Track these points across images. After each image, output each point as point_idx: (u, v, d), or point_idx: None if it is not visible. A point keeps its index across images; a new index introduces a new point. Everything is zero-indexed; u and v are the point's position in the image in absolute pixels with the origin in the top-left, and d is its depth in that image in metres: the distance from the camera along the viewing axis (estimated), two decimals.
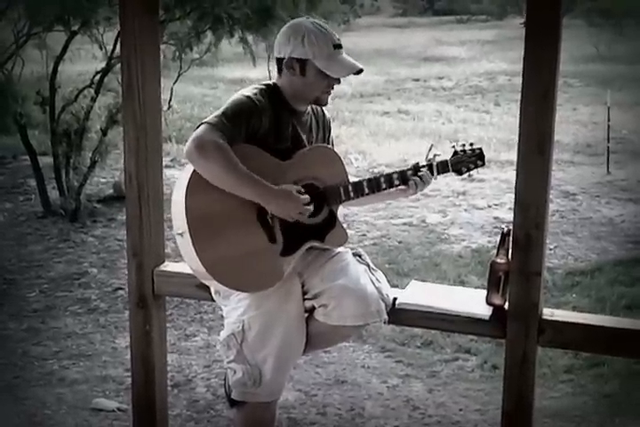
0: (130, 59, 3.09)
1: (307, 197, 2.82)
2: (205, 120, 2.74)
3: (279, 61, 2.93)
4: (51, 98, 8.97)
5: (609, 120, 11.60)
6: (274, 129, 2.86)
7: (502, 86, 19.32)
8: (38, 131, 10.44)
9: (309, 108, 3.03)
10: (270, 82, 2.97)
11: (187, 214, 2.70)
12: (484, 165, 3.25)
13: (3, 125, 9.28)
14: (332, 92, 2.95)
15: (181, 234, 2.72)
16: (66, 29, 9.03)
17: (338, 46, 2.89)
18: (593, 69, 20.31)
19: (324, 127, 3.12)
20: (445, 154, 3.22)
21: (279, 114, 2.89)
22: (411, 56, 25.13)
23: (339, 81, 2.91)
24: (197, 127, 2.74)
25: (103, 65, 9.19)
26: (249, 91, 2.87)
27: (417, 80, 20.81)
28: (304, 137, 2.98)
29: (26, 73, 10.52)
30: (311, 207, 2.84)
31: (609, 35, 21.75)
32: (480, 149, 3.24)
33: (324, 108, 3.11)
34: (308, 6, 11.22)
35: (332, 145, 3.14)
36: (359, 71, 2.91)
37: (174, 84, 15.24)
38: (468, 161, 3.20)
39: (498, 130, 14.30)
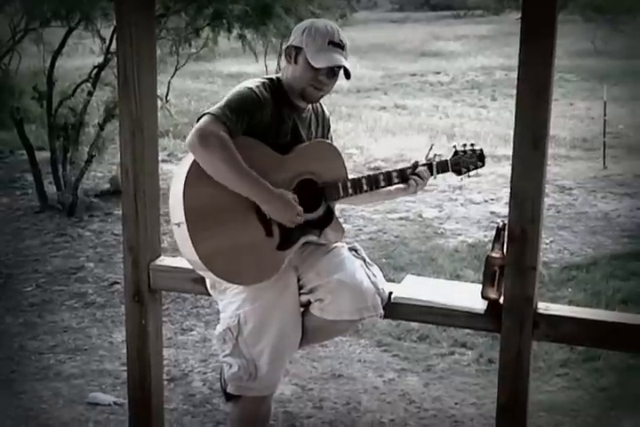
0: (126, 53, 3.09)
1: (301, 208, 2.83)
2: (208, 111, 2.73)
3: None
4: (48, 92, 8.96)
5: (605, 115, 11.62)
6: (274, 123, 2.86)
7: (499, 81, 19.34)
8: (35, 125, 10.44)
9: (309, 105, 3.03)
10: (274, 76, 2.97)
11: (184, 205, 2.69)
12: (483, 165, 3.27)
13: (0, 120, 9.28)
14: (324, 90, 2.93)
15: (178, 224, 2.72)
16: (63, 24, 9.02)
17: (334, 44, 2.88)
18: (589, 64, 20.33)
19: (324, 124, 3.12)
20: (442, 149, 3.23)
21: (280, 109, 2.88)
22: (408, 51, 25.14)
23: (327, 78, 2.89)
24: (200, 118, 2.73)
25: (100, 59, 9.19)
26: (252, 83, 2.86)
27: (414, 75, 20.83)
28: (303, 133, 2.98)
29: (23, 68, 10.51)
30: (302, 219, 2.85)
31: (605, 30, 21.76)
32: (481, 149, 3.26)
33: (324, 106, 3.12)
34: (305, 0, 11.22)
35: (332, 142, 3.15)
36: (347, 75, 2.91)
37: (171, 78, 15.24)
38: (467, 162, 3.23)
39: (494, 125, 14.32)
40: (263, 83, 2.89)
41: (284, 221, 2.82)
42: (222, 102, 2.76)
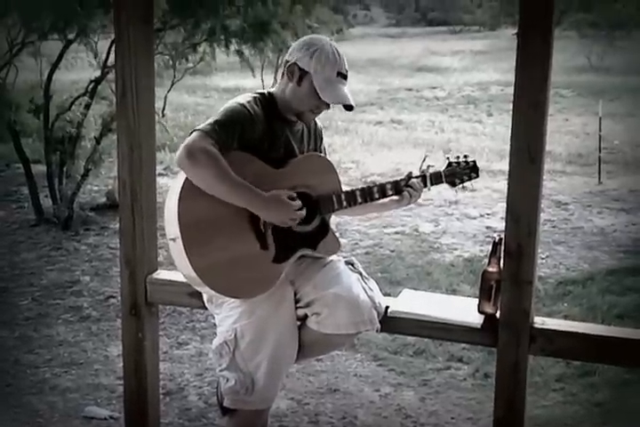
0: (124, 67, 3.10)
1: (299, 202, 2.83)
2: (198, 127, 2.74)
3: (285, 63, 2.95)
4: (45, 106, 8.97)
5: (600, 130, 11.65)
6: (266, 138, 2.86)
7: (495, 96, 19.40)
8: (32, 139, 10.44)
9: None
10: (265, 91, 2.98)
11: (179, 220, 2.70)
12: (477, 177, 3.27)
13: None
14: (320, 113, 2.96)
15: (174, 239, 2.73)
16: (61, 37, 9.04)
17: (342, 75, 2.91)
18: (585, 80, 20.42)
19: (316, 137, 3.13)
20: (437, 162, 3.24)
21: (272, 123, 2.89)
22: (404, 66, 25.23)
23: (327, 107, 2.92)
24: (190, 134, 2.74)
25: (98, 73, 9.20)
26: (243, 99, 2.87)
27: (410, 90, 20.89)
28: (296, 146, 2.98)
29: (20, 81, 10.52)
30: (304, 212, 2.85)
31: (600, 46, 21.87)
32: (474, 161, 3.27)
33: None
34: (302, 15, 11.27)
35: (325, 154, 3.15)
36: (349, 108, 2.94)
37: (168, 92, 15.28)
38: (461, 173, 3.23)
39: (490, 140, 14.36)
40: (254, 97, 2.89)
41: (283, 222, 2.81)
42: (212, 119, 2.77)
